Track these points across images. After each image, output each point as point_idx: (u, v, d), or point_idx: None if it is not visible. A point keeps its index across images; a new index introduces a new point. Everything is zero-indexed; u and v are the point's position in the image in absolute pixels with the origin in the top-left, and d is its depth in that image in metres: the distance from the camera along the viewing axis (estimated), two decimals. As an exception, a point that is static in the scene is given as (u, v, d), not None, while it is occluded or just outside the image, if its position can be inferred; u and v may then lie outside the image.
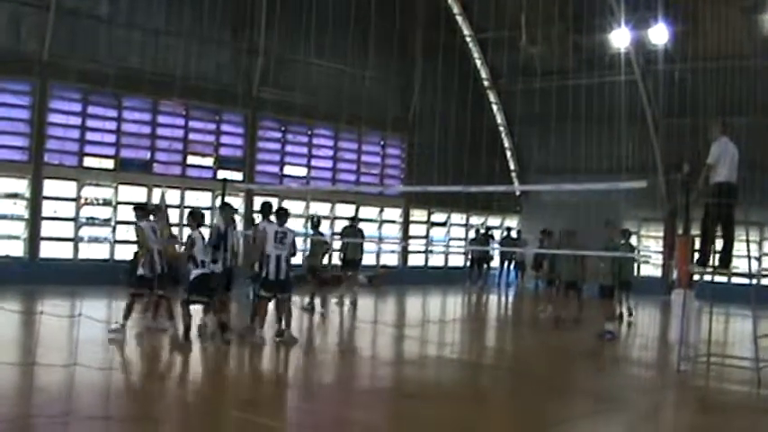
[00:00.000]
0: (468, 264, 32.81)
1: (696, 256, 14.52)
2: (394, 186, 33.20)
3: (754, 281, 15.01)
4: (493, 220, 35.87)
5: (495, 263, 32.67)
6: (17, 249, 24.24)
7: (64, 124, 24.91)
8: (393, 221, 33.30)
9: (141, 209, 16.11)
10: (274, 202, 17.33)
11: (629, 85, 31.39)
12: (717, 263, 14.24)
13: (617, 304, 20.91)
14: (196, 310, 14.54)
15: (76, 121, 25.10)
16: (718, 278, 14.77)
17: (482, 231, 33.24)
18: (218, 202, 24.40)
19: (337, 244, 25.33)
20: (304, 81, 29.00)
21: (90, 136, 25.37)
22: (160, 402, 10.28)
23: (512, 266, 32.30)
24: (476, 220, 35.68)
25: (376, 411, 10.83)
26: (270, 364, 14.14)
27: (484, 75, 36.55)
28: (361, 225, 25.36)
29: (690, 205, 14.61)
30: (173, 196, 26.27)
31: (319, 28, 27.20)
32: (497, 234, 34.50)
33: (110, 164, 25.78)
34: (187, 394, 10.92)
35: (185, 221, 16.05)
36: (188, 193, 27.01)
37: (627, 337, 19.68)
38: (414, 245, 34.34)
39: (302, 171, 30.52)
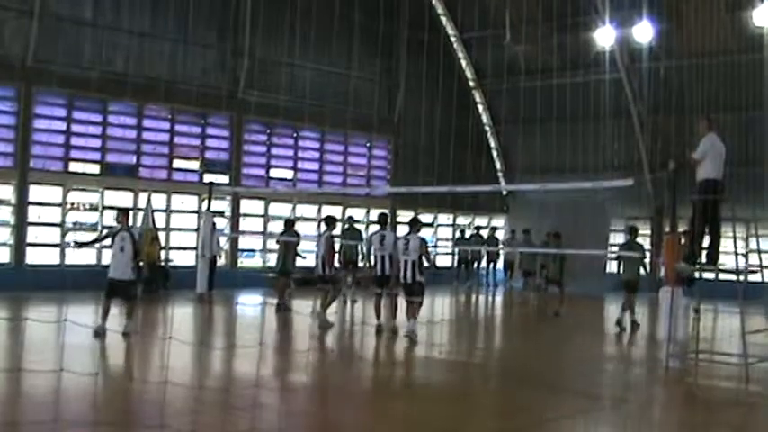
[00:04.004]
0: (456, 264, 32.85)
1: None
2: (380, 187, 33.13)
3: (742, 277, 15.02)
4: (480, 220, 35.83)
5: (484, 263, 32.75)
6: (3, 255, 24.14)
7: (49, 129, 24.84)
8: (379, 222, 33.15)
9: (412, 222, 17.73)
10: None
11: (614, 83, 31.45)
12: (704, 260, 14.29)
13: None
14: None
15: (61, 126, 25.03)
16: (705, 275, 14.79)
17: (472, 231, 33.30)
18: (204, 206, 24.43)
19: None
20: (289, 83, 28.98)
21: (75, 141, 25.31)
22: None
23: (497, 266, 32.41)
24: (462, 220, 35.65)
25: (365, 411, 10.81)
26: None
27: (469, 74, 36.54)
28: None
29: (676, 203, 14.65)
30: (159, 200, 26.20)
31: (304, 30, 27.18)
32: (485, 234, 34.45)
33: (95, 168, 25.70)
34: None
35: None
36: (174, 197, 26.94)
37: (617, 335, 19.71)
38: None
39: (288, 173, 30.46)
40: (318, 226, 29.64)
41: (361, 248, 23.32)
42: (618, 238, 33.44)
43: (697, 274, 14.74)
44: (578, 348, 17.10)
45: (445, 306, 26.14)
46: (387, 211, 18.83)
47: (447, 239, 35.41)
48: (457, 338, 18.95)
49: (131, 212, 25.57)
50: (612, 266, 33.11)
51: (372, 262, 17.67)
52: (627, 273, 20.34)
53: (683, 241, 15.63)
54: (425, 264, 17.11)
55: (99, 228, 25.17)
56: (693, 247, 14.24)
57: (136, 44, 25.96)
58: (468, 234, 33.70)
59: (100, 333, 14.88)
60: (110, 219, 25.75)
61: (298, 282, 22.69)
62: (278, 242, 22.61)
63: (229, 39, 28.08)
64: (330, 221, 19.27)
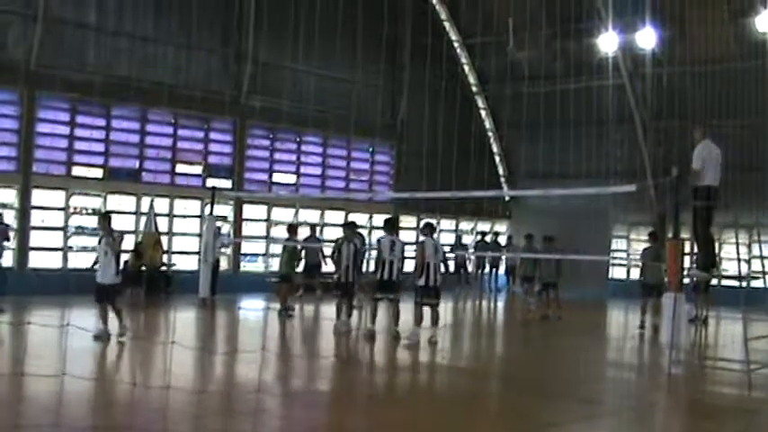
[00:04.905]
0: (455, 269, 32.78)
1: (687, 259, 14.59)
2: (383, 193, 33.09)
3: (744, 283, 15.02)
4: (482, 226, 35.79)
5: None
6: (6, 259, 24.08)
7: (52, 134, 24.85)
8: (382, 228, 33.10)
9: (430, 226, 17.99)
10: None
11: (617, 89, 31.47)
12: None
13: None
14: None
15: (64, 130, 25.03)
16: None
17: (476, 237, 33.27)
18: (207, 211, 24.39)
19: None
20: (292, 88, 28.99)
21: (78, 145, 25.30)
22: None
23: (499, 272, 32.45)
24: (465, 225, 35.62)
25: (366, 416, 10.78)
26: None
27: (472, 80, 36.54)
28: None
29: (679, 209, 14.65)
30: (161, 205, 26.20)
31: (307, 35, 27.19)
32: (488, 239, 34.39)
33: (98, 173, 25.70)
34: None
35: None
36: (177, 202, 26.93)
37: (619, 340, 19.69)
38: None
39: (291, 178, 30.45)
40: (321, 231, 29.66)
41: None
42: (620, 244, 33.55)
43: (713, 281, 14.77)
44: (580, 354, 17.06)
45: (447, 312, 26.06)
46: (394, 216, 18.75)
47: (449, 245, 35.34)
48: (459, 344, 18.93)
49: (122, 216, 25.81)
50: (615, 272, 33.30)
51: (379, 267, 17.53)
52: (653, 277, 20.10)
53: (686, 248, 15.61)
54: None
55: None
56: (706, 254, 14.25)
57: (139, 49, 25.96)
58: (465, 240, 33.69)
59: (101, 337, 14.89)
60: (113, 223, 25.79)
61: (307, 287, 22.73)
62: (301, 248, 22.74)
63: (233, 43, 28.11)
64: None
